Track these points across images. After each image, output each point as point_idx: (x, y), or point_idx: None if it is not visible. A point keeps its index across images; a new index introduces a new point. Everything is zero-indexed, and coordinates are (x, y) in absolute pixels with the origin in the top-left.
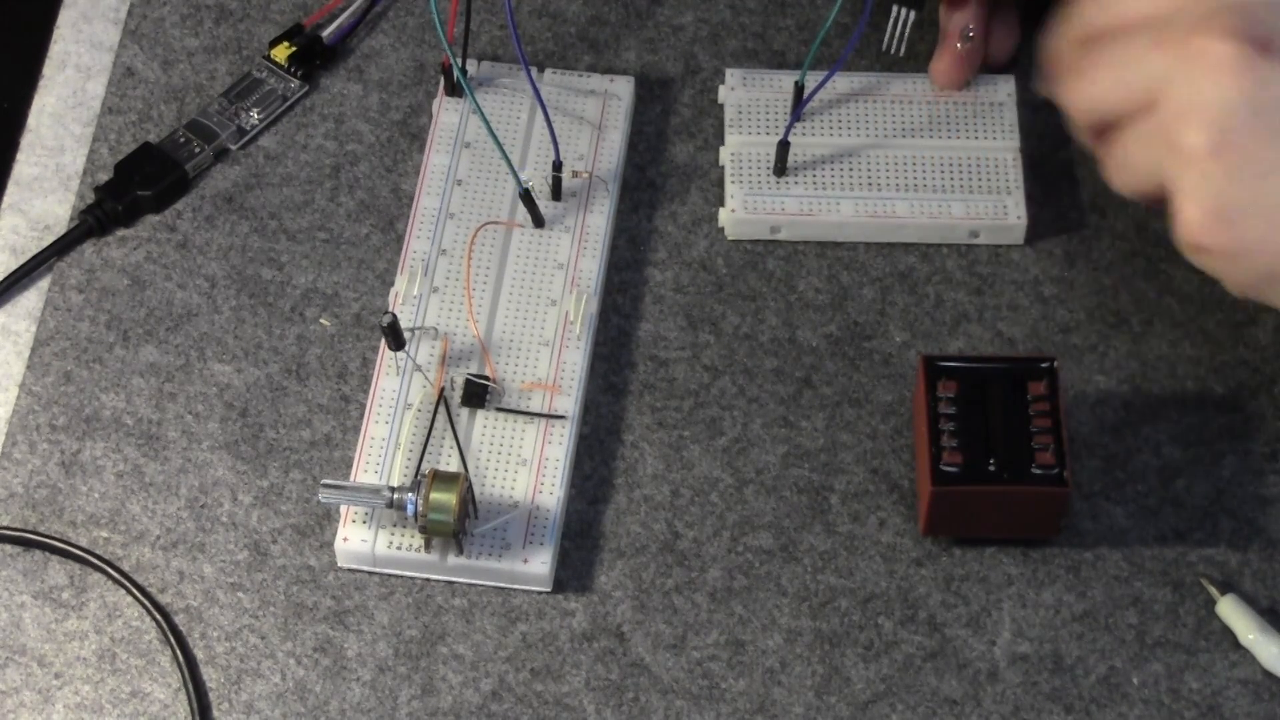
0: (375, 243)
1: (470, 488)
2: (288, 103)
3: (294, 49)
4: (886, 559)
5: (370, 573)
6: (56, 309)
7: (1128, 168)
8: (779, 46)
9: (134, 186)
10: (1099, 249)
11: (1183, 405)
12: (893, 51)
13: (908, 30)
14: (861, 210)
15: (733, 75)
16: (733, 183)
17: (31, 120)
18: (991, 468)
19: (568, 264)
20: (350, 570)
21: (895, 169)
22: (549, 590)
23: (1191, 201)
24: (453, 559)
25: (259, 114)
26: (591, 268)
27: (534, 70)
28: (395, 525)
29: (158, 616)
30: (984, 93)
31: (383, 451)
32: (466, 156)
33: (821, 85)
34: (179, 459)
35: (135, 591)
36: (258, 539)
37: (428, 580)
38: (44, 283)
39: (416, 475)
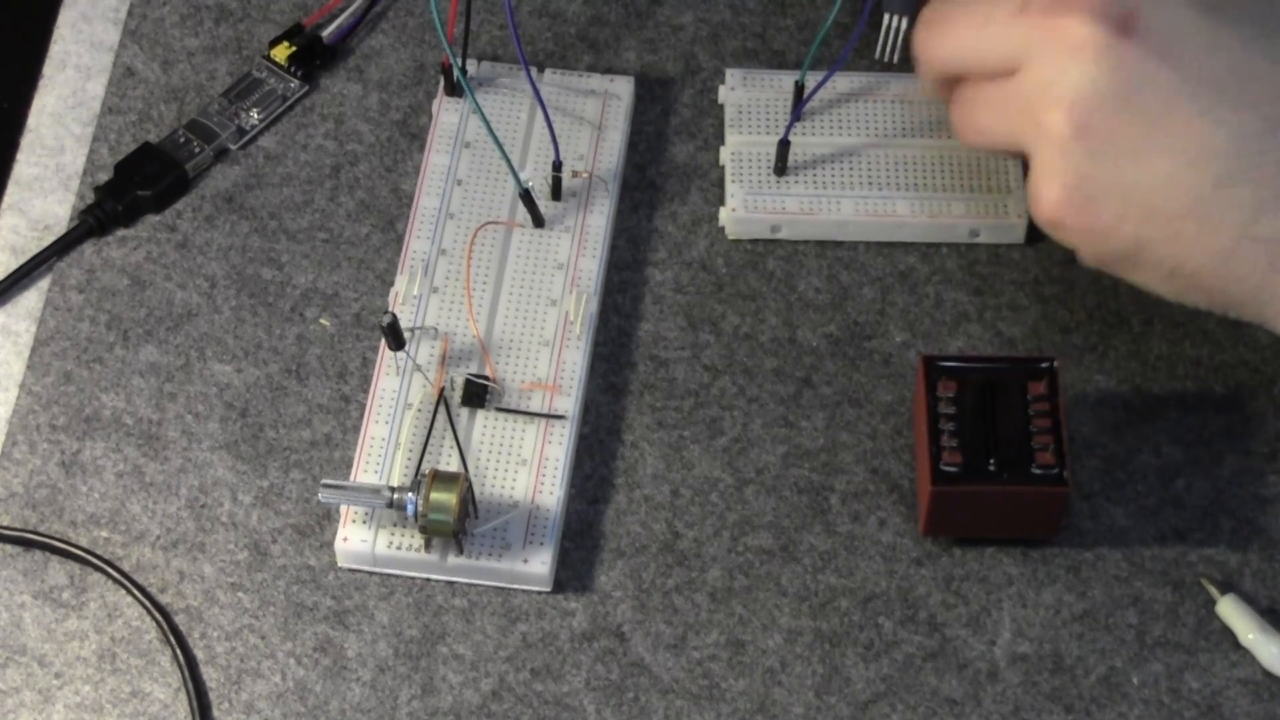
0: (375, 243)
1: (470, 488)
2: (288, 103)
3: (294, 49)
4: (886, 559)
5: (370, 573)
6: (56, 309)
7: (978, 129)
8: (779, 46)
9: (134, 186)
10: None
11: (1183, 405)
12: (887, 59)
13: (900, 38)
14: (862, 210)
15: (733, 75)
16: (733, 182)
17: (31, 120)
18: (991, 468)
19: (568, 264)
20: (350, 570)
21: (895, 168)
22: (549, 590)
23: (1051, 179)
24: (453, 559)
25: (259, 114)
26: (591, 268)
27: (534, 70)
28: (395, 525)
29: (158, 616)
30: None
31: (383, 451)
32: (466, 156)
33: (821, 85)
34: (179, 459)
35: (135, 591)
36: (258, 539)
37: (428, 580)
38: (44, 283)
39: (416, 475)
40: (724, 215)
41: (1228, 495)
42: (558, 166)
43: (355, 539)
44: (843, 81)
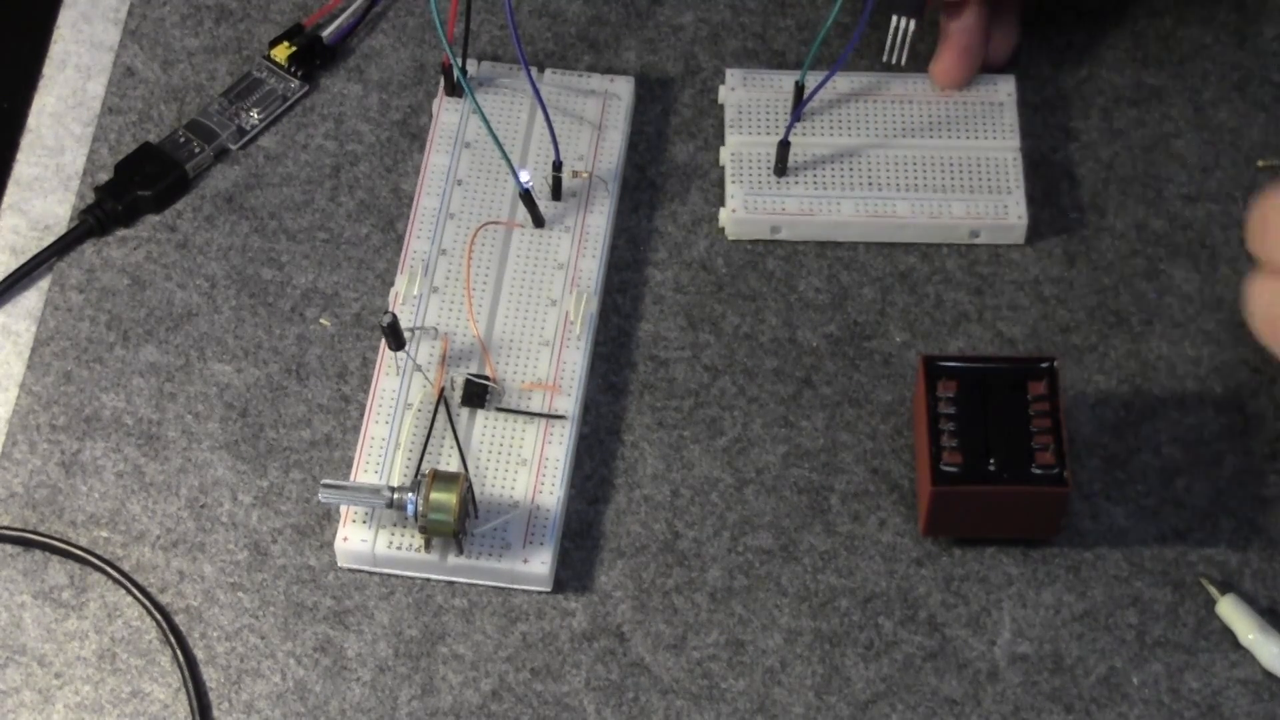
0: (375, 243)
1: (470, 488)
2: (288, 103)
3: (294, 49)
4: (886, 559)
5: (370, 573)
6: (56, 309)
7: None
8: (779, 46)
9: (134, 186)
10: (1099, 249)
11: (1183, 405)
12: (894, 61)
13: (908, 40)
14: (862, 210)
15: (733, 75)
16: (733, 183)
17: (31, 120)
18: (991, 468)
19: (568, 264)
20: (350, 570)
21: (895, 169)
22: (549, 590)
23: None
24: (453, 559)
25: (259, 114)
26: (591, 268)
27: (534, 70)
28: (395, 525)
29: (158, 616)
30: (984, 93)
31: (383, 451)
32: (466, 156)
33: (822, 85)
34: (179, 459)
35: (135, 591)
36: (258, 539)
37: (428, 580)
38: (44, 283)
39: (416, 475)
40: (724, 215)
41: (1228, 495)
42: (558, 166)
43: (355, 539)
44: (843, 82)
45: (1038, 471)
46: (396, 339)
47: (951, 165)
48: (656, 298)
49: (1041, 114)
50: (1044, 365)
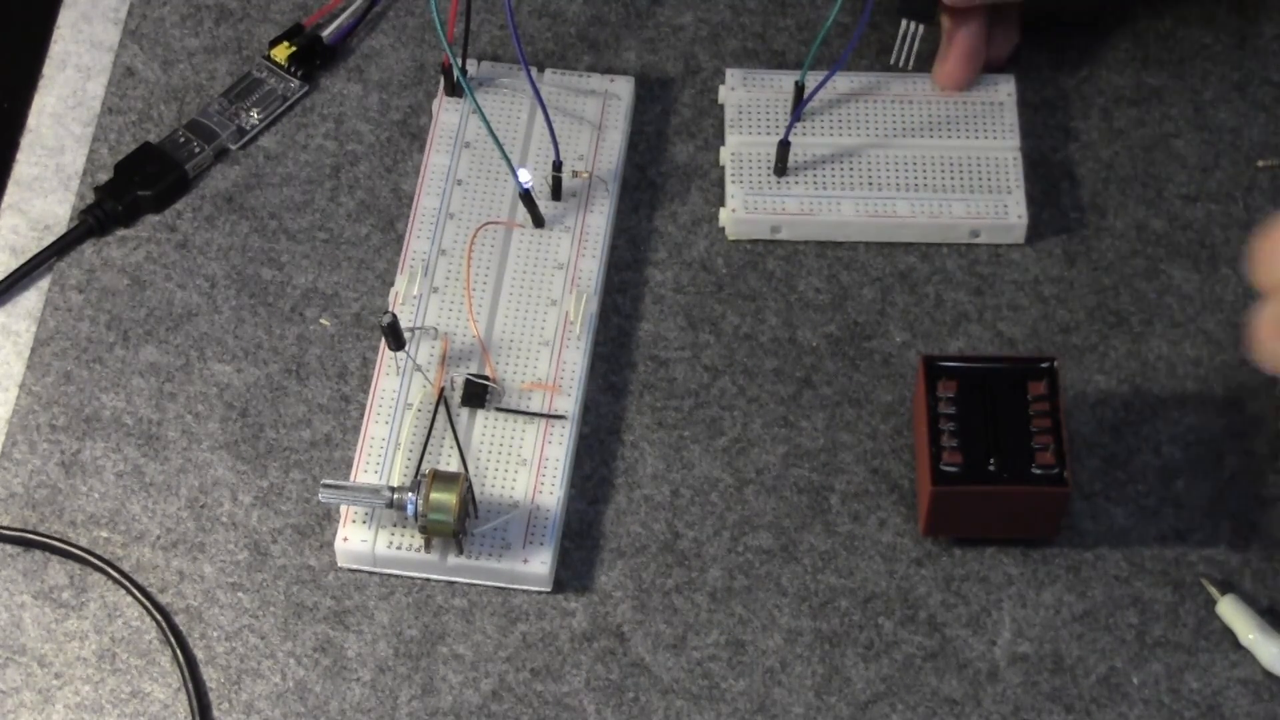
0: (375, 243)
1: (470, 488)
2: (288, 103)
3: (294, 49)
4: (886, 559)
5: (370, 573)
6: (56, 309)
7: None
8: (779, 46)
9: (134, 186)
10: (1099, 249)
11: (1183, 405)
12: (901, 65)
13: (916, 44)
14: (862, 210)
15: (733, 75)
16: (733, 183)
17: (31, 120)
18: (991, 468)
19: (568, 264)
20: (350, 570)
21: (895, 169)
22: (549, 590)
23: None
24: (453, 559)
25: (259, 114)
26: (591, 268)
27: (534, 70)
28: (395, 525)
29: (158, 616)
30: (984, 93)
31: (383, 451)
32: (466, 156)
33: (822, 85)
34: (179, 459)
35: (135, 591)
36: (258, 539)
37: (428, 580)
38: (44, 283)
39: (416, 475)
40: (724, 215)
41: (1228, 495)
42: (558, 166)
43: (355, 539)
44: (843, 82)
45: (1038, 472)
46: (396, 339)
47: (951, 165)
48: (656, 298)
49: (1041, 114)
50: (1044, 365)
